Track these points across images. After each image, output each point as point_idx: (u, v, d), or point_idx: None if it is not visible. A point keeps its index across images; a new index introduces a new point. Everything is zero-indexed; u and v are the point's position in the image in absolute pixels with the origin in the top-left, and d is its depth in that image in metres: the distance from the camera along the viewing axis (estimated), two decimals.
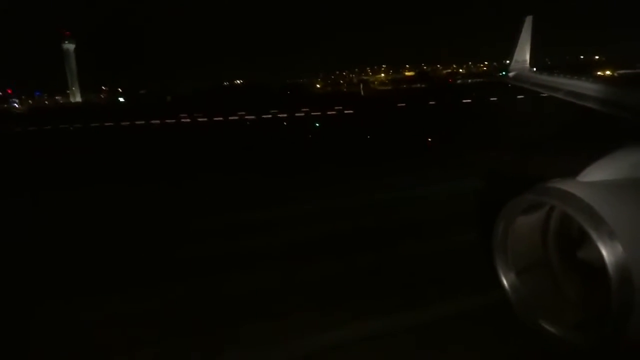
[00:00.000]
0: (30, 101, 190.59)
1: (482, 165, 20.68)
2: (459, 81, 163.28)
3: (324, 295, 10.10)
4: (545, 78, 13.96)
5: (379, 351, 8.11)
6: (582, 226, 2.78)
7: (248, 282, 11.12)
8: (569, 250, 3.14)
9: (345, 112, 58.16)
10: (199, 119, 61.43)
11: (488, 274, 3.43)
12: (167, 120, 62.03)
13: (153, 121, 62.01)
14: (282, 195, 19.40)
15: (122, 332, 9.12)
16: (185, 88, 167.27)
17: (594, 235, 2.70)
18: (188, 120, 62.15)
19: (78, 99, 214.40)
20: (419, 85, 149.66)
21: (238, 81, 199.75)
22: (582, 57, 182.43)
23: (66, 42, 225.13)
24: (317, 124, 49.36)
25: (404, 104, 67.29)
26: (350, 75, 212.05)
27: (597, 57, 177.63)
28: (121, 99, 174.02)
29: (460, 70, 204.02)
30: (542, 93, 14.17)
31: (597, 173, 3.11)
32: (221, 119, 59.54)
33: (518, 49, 16.93)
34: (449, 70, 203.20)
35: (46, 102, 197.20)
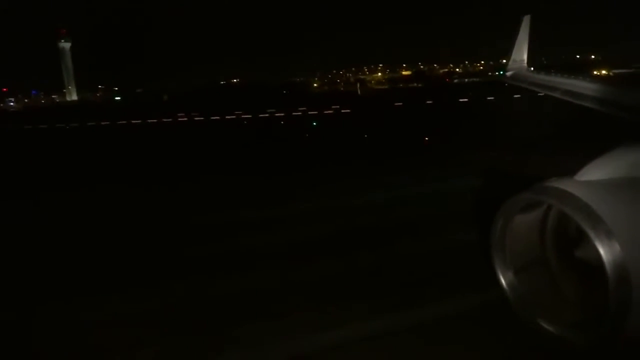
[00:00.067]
0: (26, 100, 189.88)
1: (480, 164, 20.70)
2: (455, 80, 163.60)
3: (323, 294, 10.12)
4: (542, 77, 13.98)
5: (379, 351, 8.12)
6: (579, 225, 2.78)
7: (248, 281, 11.11)
8: (567, 249, 3.15)
9: (343, 111, 58.15)
10: (196, 118, 61.33)
11: (486, 272, 3.44)
12: (164, 120, 61.89)
13: (150, 120, 61.87)
14: (280, 194, 19.39)
15: (121, 332, 9.09)
16: (182, 87, 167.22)
17: (591, 234, 2.71)
18: (185, 119, 62.03)
19: (74, 97, 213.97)
20: (415, 84, 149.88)
21: (235, 80, 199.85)
22: (578, 56, 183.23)
23: (62, 40, 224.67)
24: (315, 123, 49.35)
25: (400, 103, 67.37)
26: (347, 75, 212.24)
27: (593, 56, 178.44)
28: (117, 98, 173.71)
29: (457, 69, 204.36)
30: (539, 92, 14.20)
31: (595, 172, 3.12)
32: (218, 118, 59.45)
33: (516, 48, 16.94)
34: (446, 70, 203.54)
35: (42, 100, 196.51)
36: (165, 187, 21.96)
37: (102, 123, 63.12)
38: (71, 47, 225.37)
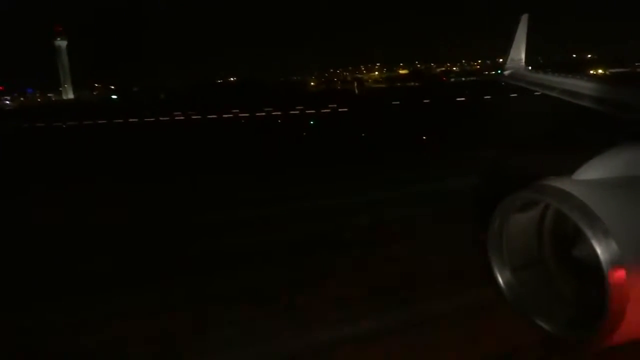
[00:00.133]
0: (22, 98, 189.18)
1: (477, 163, 20.74)
2: (452, 79, 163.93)
3: (323, 293, 10.13)
4: (540, 77, 13.99)
5: (379, 350, 8.13)
6: (577, 224, 2.78)
7: (251, 278, 11.16)
8: (564, 247, 3.15)
9: (340, 110, 58.16)
10: (193, 117, 61.20)
11: (484, 271, 3.44)
12: (161, 118, 61.73)
13: (147, 119, 61.72)
14: (277, 193, 19.40)
15: (121, 331, 9.07)
16: (179, 85, 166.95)
17: (588, 232, 2.71)
18: (182, 118, 61.89)
19: (70, 96, 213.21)
20: (412, 83, 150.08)
21: (232, 78, 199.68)
22: (574, 55, 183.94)
23: (58, 38, 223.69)
24: (312, 122, 49.33)
25: (398, 102, 67.47)
26: (345, 74, 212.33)
27: (589, 55, 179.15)
28: (114, 97, 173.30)
29: (454, 68, 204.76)
30: (536, 91, 14.21)
31: (592, 171, 3.12)
32: (215, 116, 59.34)
33: (514, 47, 16.94)
34: (443, 69, 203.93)
35: (38, 99, 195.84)
36: (162, 187, 21.95)
37: (99, 122, 62.97)
38: (67, 45, 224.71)
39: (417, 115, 50.19)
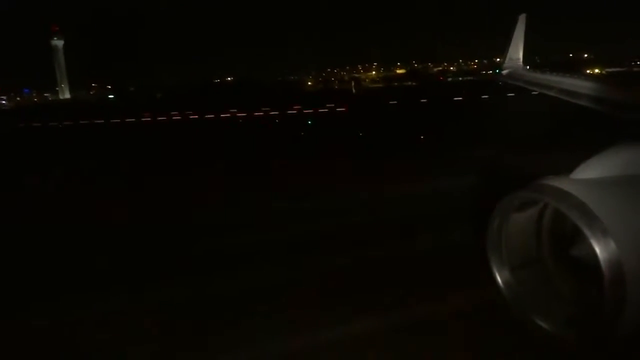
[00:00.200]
0: (18, 98, 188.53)
1: (475, 162, 20.78)
2: (449, 79, 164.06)
3: (324, 292, 10.12)
4: (538, 76, 14.00)
5: (378, 350, 8.13)
6: (575, 223, 2.79)
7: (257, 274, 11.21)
8: (563, 246, 3.16)
9: (338, 109, 58.13)
10: (191, 117, 61.08)
11: (482, 270, 3.44)
12: (158, 118, 61.59)
13: (144, 119, 61.57)
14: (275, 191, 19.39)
15: (121, 330, 9.08)
16: (176, 85, 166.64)
17: (587, 232, 2.72)
18: (179, 117, 61.76)
19: (67, 95, 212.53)
20: (410, 83, 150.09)
21: (229, 78, 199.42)
22: (571, 55, 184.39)
23: (55, 38, 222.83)
24: (310, 122, 49.31)
25: (395, 102, 67.47)
26: (342, 73, 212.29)
27: (586, 55, 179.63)
28: (111, 96, 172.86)
29: (451, 68, 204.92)
30: (533, 91, 14.23)
31: (591, 170, 3.13)
32: (212, 116, 59.24)
33: (512, 46, 16.95)
34: (440, 68, 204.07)
35: (35, 99, 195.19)
36: (158, 186, 21.92)
37: (96, 121, 62.80)
38: (64, 44, 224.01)
39: (415, 115, 50.20)
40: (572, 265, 3.09)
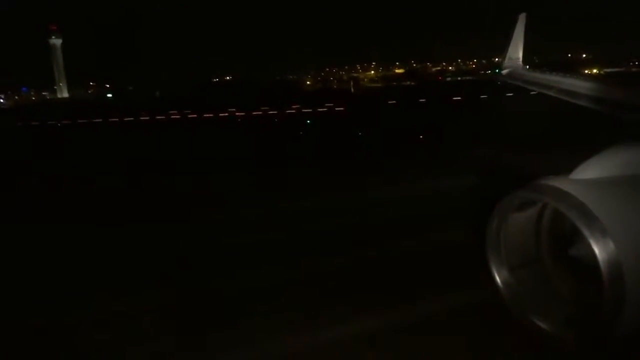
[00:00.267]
0: (16, 97, 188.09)
1: (474, 162, 20.79)
2: (448, 79, 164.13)
3: (324, 291, 10.13)
4: (538, 76, 13.97)
5: (377, 349, 8.13)
6: (574, 223, 2.80)
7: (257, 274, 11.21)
8: (562, 246, 3.16)
9: (336, 109, 58.10)
10: (189, 116, 61.00)
11: (481, 270, 3.45)
12: (157, 117, 61.48)
13: (142, 118, 61.46)
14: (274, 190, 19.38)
15: (121, 330, 9.08)
16: (175, 84, 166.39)
17: (586, 232, 2.72)
18: (178, 116, 61.66)
19: (65, 94, 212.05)
20: (408, 82, 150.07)
21: (227, 77, 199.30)
22: (569, 55, 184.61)
23: (53, 37, 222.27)
24: (309, 121, 49.27)
25: (394, 101, 67.43)
26: (341, 73, 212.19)
27: (584, 55, 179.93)
28: (109, 95, 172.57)
29: (450, 67, 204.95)
30: (532, 91, 14.22)
31: (590, 170, 3.14)
32: (211, 115, 59.16)
33: (511, 46, 16.90)
34: (439, 68, 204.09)
35: (33, 98, 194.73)
36: (157, 185, 21.90)
37: (94, 120, 62.69)
38: (62, 43, 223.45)
39: (414, 115, 50.20)
40: (571, 265, 3.10)
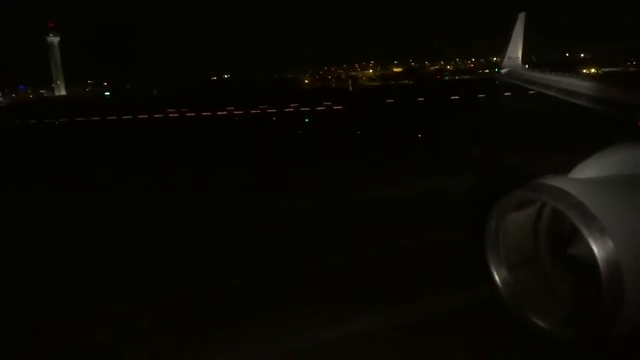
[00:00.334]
0: (13, 95, 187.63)
1: (473, 161, 20.82)
2: (446, 78, 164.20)
3: (323, 290, 10.14)
4: (537, 75, 14.00)
5: (376, 349, 8.14)
6: (573, 222, 2.80)
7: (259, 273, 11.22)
8: (560, 245, 3.17)
9: (335, 107, 58.08)
10: (187, 114, 60.90)
11: (480, 269, 3.45)
12: (154, 115, 61.37)
13: (140, 116, 61.33)
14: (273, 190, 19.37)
15: (121, 329, 9.07)
16: (172, 82, 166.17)
17: (585, 231, 2.72)
18: (176, 115, 61.55)
19: (63, 92, 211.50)
20: (406, 81, 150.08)
21: (226, 76, 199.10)
22: (567, 54, 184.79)
23: (50, 34, 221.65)
24: (307, 120, 49.23)
25: (392, 100, 67.42)
26: (339, 71, 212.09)
27: (582, 54, 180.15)
28: (107, 93, 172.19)
29: (448, 66, 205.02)
30: (531, 90, 14.24)
31: (589, 170, 3.14)
32: (209, 113, 59.07)
33: (511, 45, 16.92)
34: (437, 67, 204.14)
35: (30, 95, 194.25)
36: (156, 185, 21.89)
37: (92, 118, 62.56)
38: (60, 41, 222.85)
39: (412, 113, 50.22)
40: (570, 264, 3.10)
